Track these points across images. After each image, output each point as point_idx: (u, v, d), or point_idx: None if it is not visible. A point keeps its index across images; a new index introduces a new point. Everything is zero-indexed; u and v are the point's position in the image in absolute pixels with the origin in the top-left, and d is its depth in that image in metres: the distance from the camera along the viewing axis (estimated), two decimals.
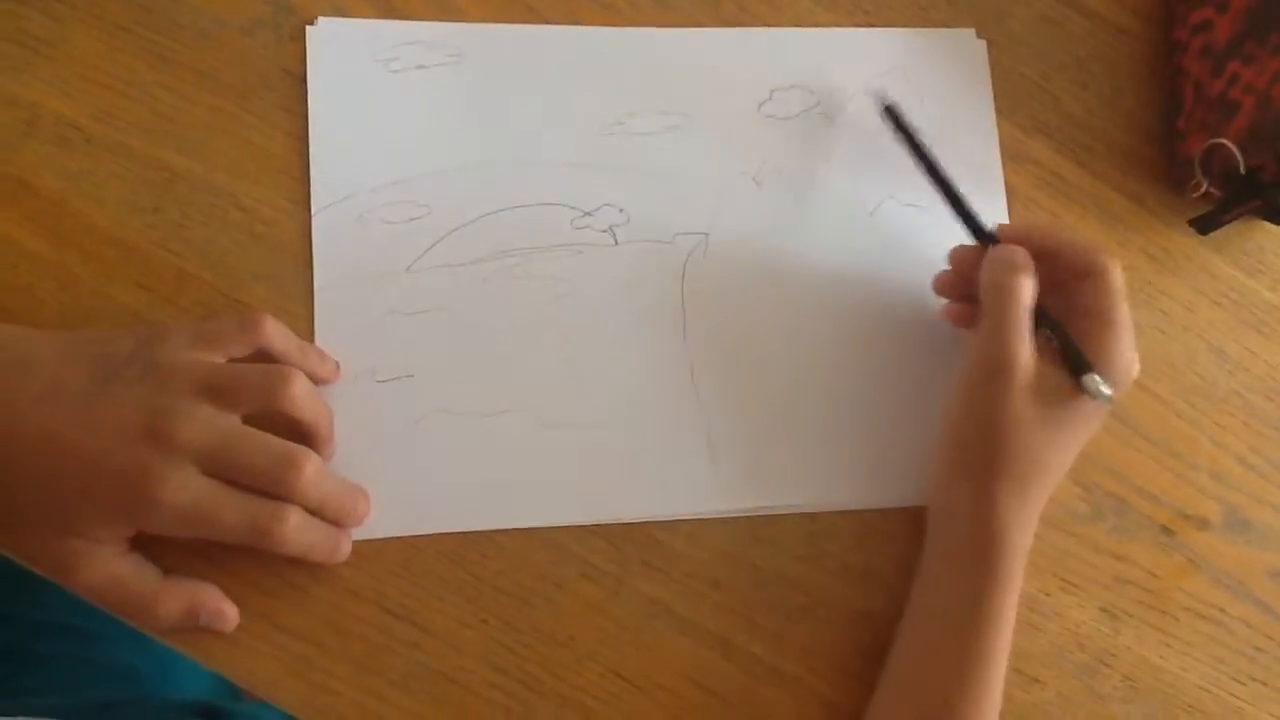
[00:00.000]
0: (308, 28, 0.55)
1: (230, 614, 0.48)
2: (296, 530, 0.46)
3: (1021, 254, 0.52)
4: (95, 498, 0.44)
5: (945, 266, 0.57)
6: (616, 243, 0.56)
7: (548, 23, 0.58)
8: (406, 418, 0.52)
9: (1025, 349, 0.50)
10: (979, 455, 0.50)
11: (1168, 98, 0.64)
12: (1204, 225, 0.62)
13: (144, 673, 0.69)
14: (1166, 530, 0.58)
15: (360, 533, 0.50)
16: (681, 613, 0.52)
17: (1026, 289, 0.51)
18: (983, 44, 0.63)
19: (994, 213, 0.60)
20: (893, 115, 0.58)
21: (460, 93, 0.56)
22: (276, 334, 0.48)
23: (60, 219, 0.51)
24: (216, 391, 0.45)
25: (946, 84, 0.61)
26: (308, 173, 0.53)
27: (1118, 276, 0.52)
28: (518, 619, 0.51)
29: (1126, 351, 0.51)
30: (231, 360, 0.47)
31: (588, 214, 0.56)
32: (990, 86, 0.62)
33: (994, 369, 0.50)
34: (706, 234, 0.57)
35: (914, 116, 0.59)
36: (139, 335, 0.46)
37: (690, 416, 0.54)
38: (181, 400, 0.45)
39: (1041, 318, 0.51)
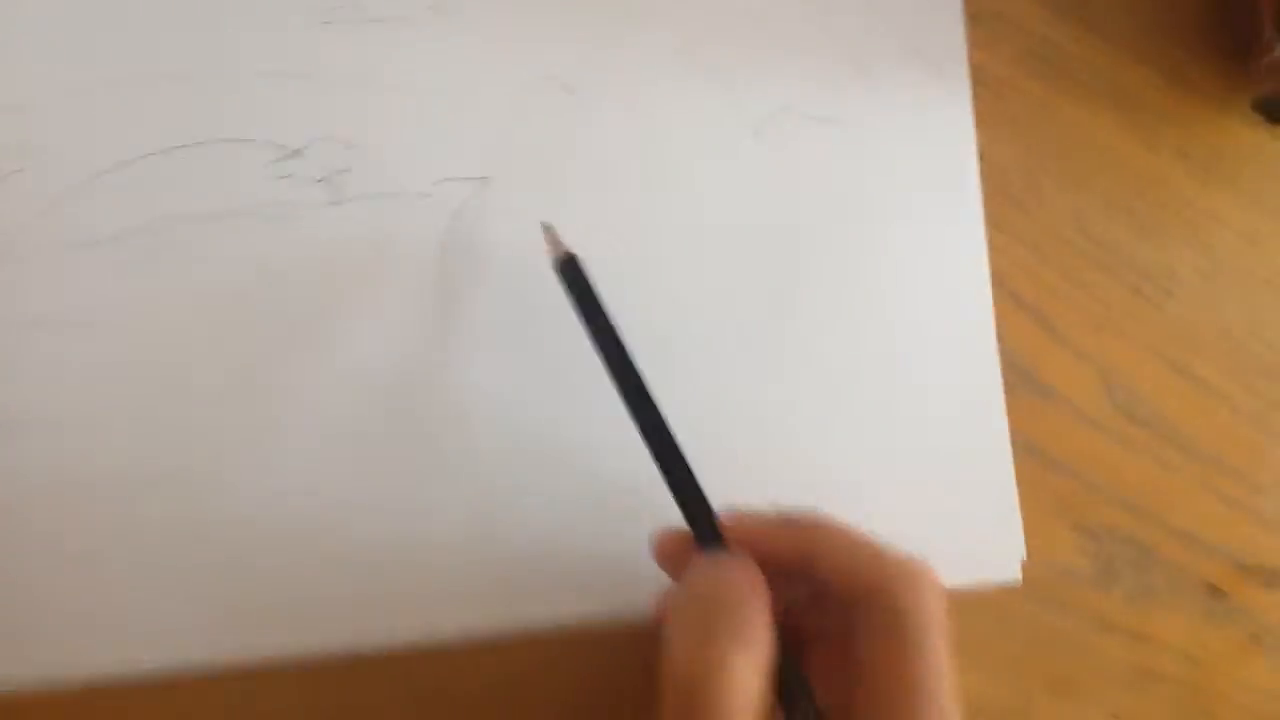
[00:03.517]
0: None
1: None
2: None
3: (740, 587, 0.28)
4: None
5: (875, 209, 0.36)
6: (339, 200, 0.35)
7: None
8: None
9: None
10: None
11: None
12: (1276, 109, 0.41)
13: None
14: (1214, 590, 0.39)
15: None
16: None
17: (735, 674, 0.26)
18: None
19: (957, 116, 0.39)
20: (570, 271, 0.33)
21: None
22: None
23: None
24: None
25: None
26: None
27: (929, 603, 0.28)
28: None
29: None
30: None
31: (293, 153, 0.35)
32: None
33: None
34: (485, 178, 0.36)
35: None
36: None
37: (449, 481, 0.35)
38: None
39: (796, 697, 0.29)
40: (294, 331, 0.35)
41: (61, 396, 0.34)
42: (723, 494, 0.31)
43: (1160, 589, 0.38)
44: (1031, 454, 0.38)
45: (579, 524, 0.35)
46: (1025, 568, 0.37)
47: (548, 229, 0.34)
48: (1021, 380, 0.38)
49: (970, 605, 0.37)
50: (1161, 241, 0.41)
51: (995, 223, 0.39)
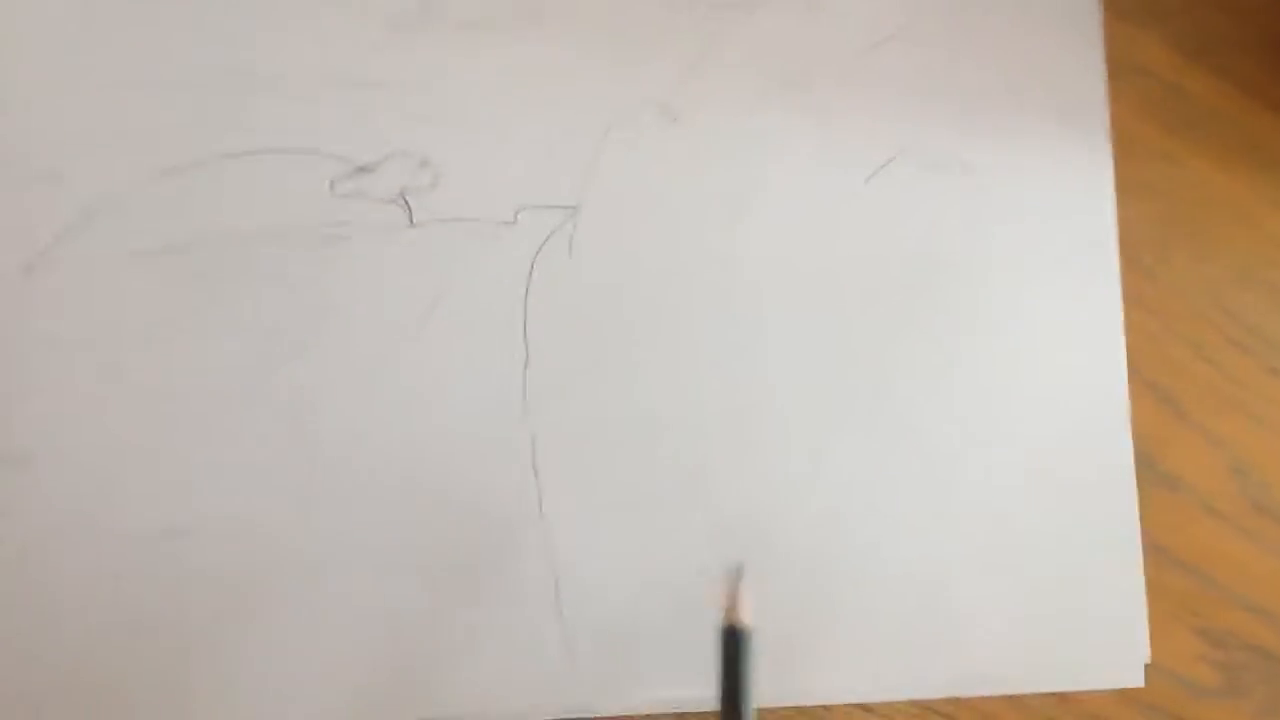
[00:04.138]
0: None
1: None
2: None
3: None
4: None
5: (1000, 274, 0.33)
6: (413, 222, 0.32)
7: None
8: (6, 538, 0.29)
9: None
10: None
11: None
12: None
13: None
14: None
15: None
16: None
17: None
18: None
19: (1095, 173, 0.36)
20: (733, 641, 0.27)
21: None
22: None
23: None
24: None
25: None
26: None
27: None
28: None
29: None
30: None
31: (362, 169, 0.32)
32: None
33: None
34: (576, 207, 0.32)
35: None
36: None
37: (530, 548, 0.31)
38: None
39: None
40: (350, 366, 0.31)
41: (74, 425, 0.30)
42: (826, 583, 0.27)
43: None
44: (1152, 549, 0.34)
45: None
46: (1144, 677, 0.33)
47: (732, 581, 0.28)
48: (1144, 467, 0.35)
49: (1081, 718, 0.34)
50: None
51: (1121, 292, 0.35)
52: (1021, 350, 0.34)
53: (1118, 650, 0.33)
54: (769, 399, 0.32)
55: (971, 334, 0.34)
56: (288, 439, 0.30)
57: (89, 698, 0.29)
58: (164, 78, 0.31)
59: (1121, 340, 0.35)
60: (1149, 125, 0.38)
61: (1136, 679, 0.33)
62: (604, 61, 0.33)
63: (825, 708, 0.33)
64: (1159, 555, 0.34)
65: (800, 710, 0.33)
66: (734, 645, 0.27)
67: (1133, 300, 0.36)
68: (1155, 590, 0.34)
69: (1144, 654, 0.33)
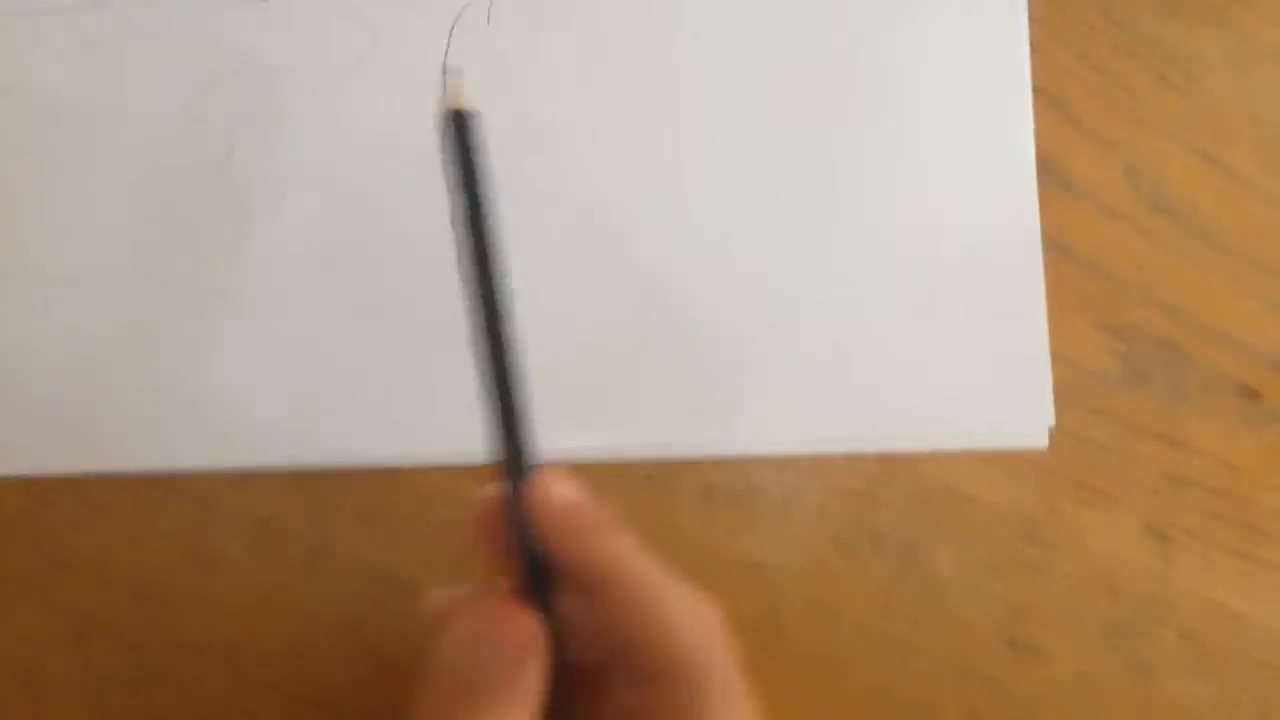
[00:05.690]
0: None
1: None
2: None
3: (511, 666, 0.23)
4: None
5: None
6: None
7: None
8: None
9: None
10: None
11: None
12: None
13: None
14: (1250, 392, 0.36)
15: None
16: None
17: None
18: None
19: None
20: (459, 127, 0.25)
21: None
22: None
23: None
24: None
25: None
26: None
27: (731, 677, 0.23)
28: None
29: None
30: None
31: None
32: None
33: None
34: None
35: None
36: None
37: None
38: None
39: None
40: (284, 107, 0.31)
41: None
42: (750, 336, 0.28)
43: (1191, 390, 0.35)
44: (1054, 249, 0.35)
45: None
46: (1057, 371, 0.34)
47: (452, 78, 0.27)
48: (1042, 171, 0.35)
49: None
50: (1188, 24, 0.37)
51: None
52: (931, 128, 0.35)
53: (1023, 413, 0.34)
54: (695, 161, 0.33)
55: (885, 111, 0.34)
56: (208, 172, 0.30)
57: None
58: None
59: (1029, 117, 0.35)
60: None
61: (1040, 441, 0.34)
62: None
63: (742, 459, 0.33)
64: (1061, 254, 0.35)
65: (719, 462, 0.33)
66: (461, 129, 0.25)
67: None
68: (1060, 288, 0.35)
69: (1048, 419, 0.34)
